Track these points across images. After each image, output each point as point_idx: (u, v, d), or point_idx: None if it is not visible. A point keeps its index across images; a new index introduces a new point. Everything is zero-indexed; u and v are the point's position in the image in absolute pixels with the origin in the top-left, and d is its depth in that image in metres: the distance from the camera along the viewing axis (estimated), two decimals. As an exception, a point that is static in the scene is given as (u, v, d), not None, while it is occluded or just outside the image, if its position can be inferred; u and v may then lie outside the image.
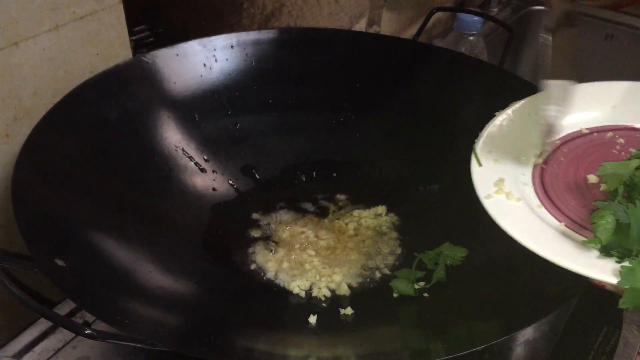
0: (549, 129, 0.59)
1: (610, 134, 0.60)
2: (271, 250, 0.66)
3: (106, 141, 0.65)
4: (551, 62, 0.58)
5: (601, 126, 0.62)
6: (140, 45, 0.74)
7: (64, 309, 0.63)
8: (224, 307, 0.58)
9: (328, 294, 0.61)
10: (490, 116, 0.67)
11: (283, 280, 0.63)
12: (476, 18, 0.99)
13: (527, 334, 0.61)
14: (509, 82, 0.75)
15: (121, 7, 0.68)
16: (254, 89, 0.77)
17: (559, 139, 0.60)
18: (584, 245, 0.48)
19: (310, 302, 0.61)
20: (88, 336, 0.42)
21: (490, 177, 0.57)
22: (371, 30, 1.15)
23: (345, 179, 0.76)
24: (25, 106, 0.63)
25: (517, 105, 0.63)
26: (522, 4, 1.32)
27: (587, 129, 0.61)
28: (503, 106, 0.73)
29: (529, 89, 0.73)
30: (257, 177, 0.75)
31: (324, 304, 0.60)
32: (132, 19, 0.71)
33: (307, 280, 0.63)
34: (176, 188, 0.69)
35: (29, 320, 0.62)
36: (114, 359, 0.58)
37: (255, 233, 0.68)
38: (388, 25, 1.20)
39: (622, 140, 0.59)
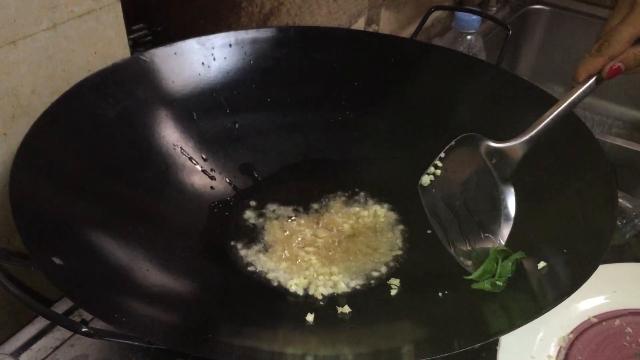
0: None
1: (617, 321, 0.64)
2: (269, 249, 0.66)
3: (104, 139, 0.65)
4: None
5: (607, 312, 0.65)
6: (139, 44, 0.73)
7: (61, 307, 0.63)
8: (221, 305, 0.59)
9: (325, 292, 0.61)
10: (487, 114, 0.67)
11: (280, 278, 0.63)
12: (474, 17, 0.99)
13: (524, 332, 0.61)
14: (507, 80, 0.75)
15: (119, 5, 0.68)
16: (252, 87, 0.77)
17: (571, 332, 0.62)
18: None
19: (307, 301, 0.61)
20: (85, 334, 0.42)
21: None
22: (370, 29, 1.15)
23: (344, 178, 0.76)
24: (23, 105, 0.63)
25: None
26: (521, 2, 1.32)
27: (594, 317, 0.64)
28: (501, 104, 0.73)
29: (527, 87, 0.73)
30: (255, 175, 0.75)
31: (321, 303, 0.60)
32: (130, 18, 0.70)
33: (304, 278, 0.63)
34: (174, 186, 0.69)
35: (27, 318, 0.62)
36: (112, 357, 0.58)
37: (253, 231, 0.68)
38: (387, 24, 1.20)
39: (630, 330, 0.63)
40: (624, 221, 0.75)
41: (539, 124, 0.60)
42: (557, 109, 0.60)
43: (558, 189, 0.64)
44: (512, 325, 0.51)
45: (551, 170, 0.65)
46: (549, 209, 0.63)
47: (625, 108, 1.28)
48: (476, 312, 0.55)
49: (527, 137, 0.60)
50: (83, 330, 0.41)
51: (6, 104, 0.61)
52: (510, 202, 0.62)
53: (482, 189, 0.63)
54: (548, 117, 0.60)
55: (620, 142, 0.91)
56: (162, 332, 0.49)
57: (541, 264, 0.56)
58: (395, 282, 0.62)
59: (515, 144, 0.61)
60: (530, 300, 0.54)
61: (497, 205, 0.62)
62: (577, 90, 0.59)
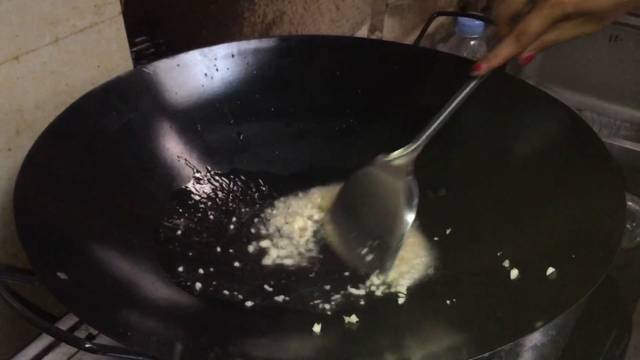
0: None
1: None
2: (276, 259, 0.66)
3: (108, 153, 0.65)
4: None
5: None
6: (141, 56, 0.74)
7: (68, 322, 0.63)
8: (228, 318, 0.58)
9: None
10: (492, 119, 0.66)
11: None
12: (477, 22, 0.99)
13: (534, 338, 0.61)
14: (512, 85, 0.74)
15: (121, 18, 0.68)
16: (256, 97, 0.77)
17: None
18: None
19: (314, 311, 0.60)
20: (88, 350, 0.41)
21: None
22: (374, 37, 1.15)
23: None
24: (27, 120, 0.63)
25: None
26: (525, 6, 1.31)
27: None
28: (506, 109, 0.73)
29: (532, 91, 0.73)
30: (261, 186, 0.75)
31: (328, 312, 0.60)
32: (133, 30, 0.71)
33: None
34: (179, 198, 0.69)
35: (34, 333, 0.62)
36: (119, 371, 0.58)
37: (260, 242, 0.68)
38: (391, 31, 1.20)
39: None
40: (634, 224, 0.75)
41: (428, 130, 0.65)
42: (447, 109, 0.64)
43: (565, 194, 0.63)
44: (521, 332, 0.51)
45: (558, 174, 0.65)
46: (557, 214, 0.62)
47: (633, 110, 1.27)
48: (484, 319, 0.54)
49: (414, 146, 0.65)
50: (86, 346, 0.41)
51: (10, 120, 0.62)
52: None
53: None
54: (438, 119, 0.64)
55: (628, 144, 0.90)
56: (167, 346, 0.49)
57: (550, 270, 0.56)
58: (402, 290, 0.62)
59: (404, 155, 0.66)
60: (539, 307, 0.53)
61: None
62: (469, 85, 0.63)
